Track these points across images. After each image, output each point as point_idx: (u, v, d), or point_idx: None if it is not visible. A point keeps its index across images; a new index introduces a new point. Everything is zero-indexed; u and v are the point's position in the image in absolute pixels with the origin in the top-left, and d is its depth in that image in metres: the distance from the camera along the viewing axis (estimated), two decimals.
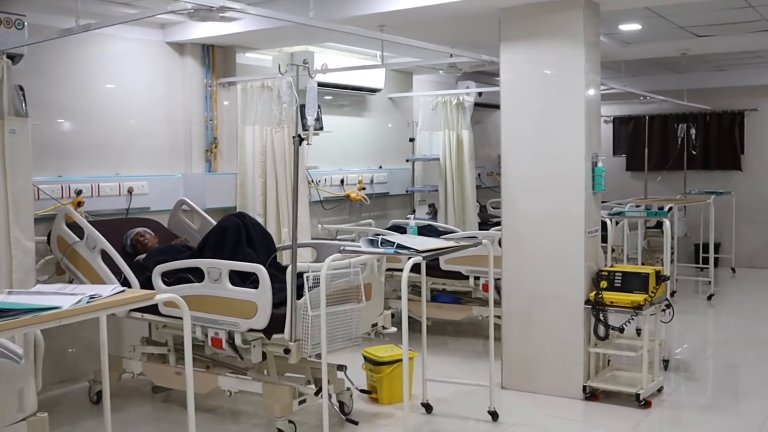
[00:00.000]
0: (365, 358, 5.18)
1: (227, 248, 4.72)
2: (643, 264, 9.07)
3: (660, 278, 4.97)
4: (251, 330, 4.29)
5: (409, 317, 7.08)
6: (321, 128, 7.12)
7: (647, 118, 9.88)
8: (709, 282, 8.64)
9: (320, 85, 7.25)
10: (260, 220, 6.50)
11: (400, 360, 4.89)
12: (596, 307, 4.89)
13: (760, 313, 7.91)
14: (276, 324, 4.20)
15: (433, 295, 6.83)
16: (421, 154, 8.19)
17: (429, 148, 8.19)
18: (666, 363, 5.74)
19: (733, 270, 10.20)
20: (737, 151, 10.73)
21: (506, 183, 5.23)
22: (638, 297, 4.81)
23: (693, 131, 10.02)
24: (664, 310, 5.16)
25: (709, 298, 8.45)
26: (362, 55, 7.60)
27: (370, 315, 4.62)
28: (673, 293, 8.57)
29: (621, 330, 4.87)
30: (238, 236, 4.78)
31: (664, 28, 6.50)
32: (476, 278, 6.31)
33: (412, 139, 8.31)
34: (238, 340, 4.35)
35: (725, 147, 10.79)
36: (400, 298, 7.04)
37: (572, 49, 4.93)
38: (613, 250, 7.92)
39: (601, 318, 4.88)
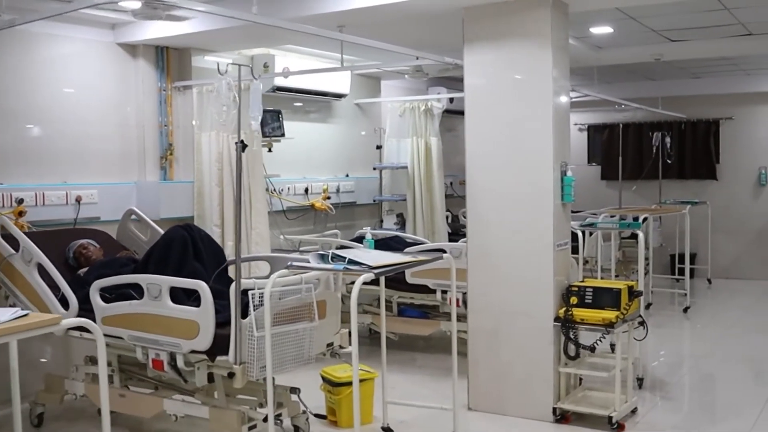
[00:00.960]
0: (323, 378, 4.88)
1: (172, 262, 4.40)
2: (617, 276, 8.86)
3: (633, 294, 4.71)
4: (194, 351, 3.96)
5: (377, 332, 6.93)
6: (282, 135, 6.83)
7: (621, 126, 9.66)
8: (685, 294, 8.42)
9: (283, 90, 7.01)
10: (217, 231, 6.20)
11: (362, 380, 4.62)
12: (566, 324, 4.62)
13: (737, 325, 7.70)
14: (220, 345, 3.88)
15: (400, 309, 6.57)
16: (388, 162, 7.91)
17: (397, 155, 7.91)
18: (640, 381, 5.49)
19: (709, 281, 10.02)
20: (712, 161, 10.55)
21: (471, 193, 4.96)
22: (610, 314, 4.54)
23: (668, 140, 9.84)
24: (637, 327, 4.89)
25: (685, 310, 8.23)
26: (326, 58, 7.31)
27: (324, 334, 4.32)
28: (648, 305, 8.35)
29: (592, 349, 4.60)
30: (184, 249, 4.46)
31: (637, 31, 6.28)
32: (443, 292, 6.04)
33: (379, 147, 8.03)
34: (180, 362, 4.02)
35: (700, 156, 10.61)
36: (366, 312, 6.87)
37: (539, 52, 4.68)
38: (586, 262, 7.69)
39: (571, 336, 4.61)
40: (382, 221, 7.99)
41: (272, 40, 6.35)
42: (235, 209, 3.71)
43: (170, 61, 6.34)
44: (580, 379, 5.05)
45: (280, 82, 6.87)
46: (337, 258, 3.70)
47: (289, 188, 7.22)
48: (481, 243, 4.91)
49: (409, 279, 6.19)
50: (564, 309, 4.66)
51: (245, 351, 3.80)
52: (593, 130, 11.32)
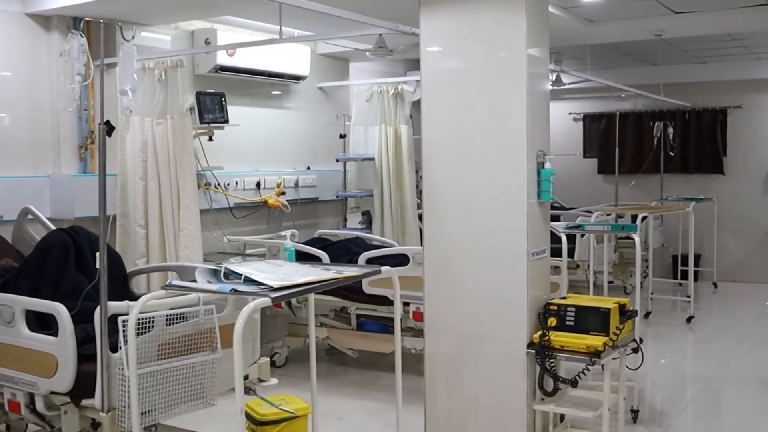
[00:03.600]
0: (247, 415, 3.99)
1: (47, 275, 3.53)
2: (611, 283, 7.97)
3: (625, 314, 3.82)
4: (55, 393, 3.08)
5: (335, 349, 6.10)
6: (225, 121, 5.93)
7: (619, 115, 8.79)
8: (689, 300, 7.50)
9: (228, 70, 6.11)
10: (141, 232, 5.34)
11: (291, 418, 3.77)
12: (541, 352, 3.72)
13: (747, 337, 6.78)
14: (86, 386, 3.00)
15: (359, 322, 5.70)
16: (355, 153, 7.01)
17: (364, 145, 7.01)
18: (635, 414, 4.61)
19: (715, 285, 9.13)
20: (719, 153, 9.62)
21: (428, 191, 4.06)
22: (596, 340, 3.65)
23: (670, 130, 8.98)
24: (630, 354, 4.00)
25: (689, 320, 7.32)
26: (276, 34, 6.40)
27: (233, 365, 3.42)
28: (647, 314, 7.47)
29: (573, 384, 3.71)
30: (64, 258, 3.60)
31: (635, 0, 5.37)
32: (405, 304, 5.16)
33: (342, 136, 7.12)
34: (40, 405, 3.14)
35: (706, 148, 9.67)
36: (320, 325, 6.02)
37: (511, 18, 3.77)
38: (577, 266, 6.81)
39: (548, 367, 3.72)
40: (345, 220, 7.10)
41: (209, 9, 5.47)
42: (100, 208, 2.83)
43: (91, 35, 5.43)
44: (561, 416, 4.16)
45: (224, 61, 5.98)
46: (231, 275, 2.81)
47: (237, 182, 6.32)
48: (440, 251, 4.02)
49: (366, 289, 5.34)
50: (540, 333, 3.77)
51: (115, 394, 2.92)
52: (589, 120, 10.39)
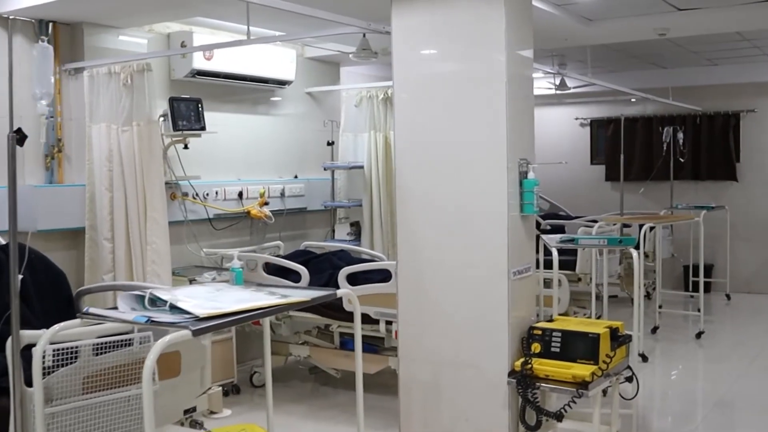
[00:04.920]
0: None
1: None
2: (613, 297, 7.59)
3: (617, 339, 3.46)
4: None
5: (317, 368, 5.76)
6: (202, 128, 5.61)
7: (624, 120, 8.36)
8: (699, 314, 7.09)
9: (206, 74, 5.81)
10: (108, 246, 5.02)
11: None
12: (523, 382, 3.37)
13: (760, 356, 6.34)
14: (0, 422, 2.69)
15: (342, 340, 5.36)
16: (344, 161, 6.67)
17: (354, 153, 6.67)
18: None
19: (728, 297, 8.70)
20: (732, 159, 9.17)
21: (402, 203, 3.73)
22: (583, 369, 3.29)
23: (680, 135, 8.54)
24: (623, 382, 3.63)
25: (699, 335, 6.91)
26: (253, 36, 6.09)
27: (179, 398, 3.11)
28: (654, 329, 7.07)
29: (558, 417, 3.34)
30: None
31: None
32: (388, 323, 4.83)
33: (330, 143, 6.78)
34: None
35: (718, 154, 9.23)
36: (302, 343, 5.69)
37: (490, 12, 3.44)
38: (579, 279, 6.44)
39: (531, 398, 3.36)
40: (333, 231, 6.76)
41: (178, 11, 5.17)
42: (10, 221, 2.51)
43: (58, 38, 5.15)
44: None
45: (201, 65, 5.67)
46: (157, 302, 2.48)
47: (217, 192, 6.00)
48: (415, 269, 3.68)
49: (347, 306, 4.98)
50: (522, 360, 3.42)
51: None
52: (597, 126, 9.99)
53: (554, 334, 3.43)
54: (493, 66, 3.45)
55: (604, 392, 3.50)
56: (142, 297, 2.52)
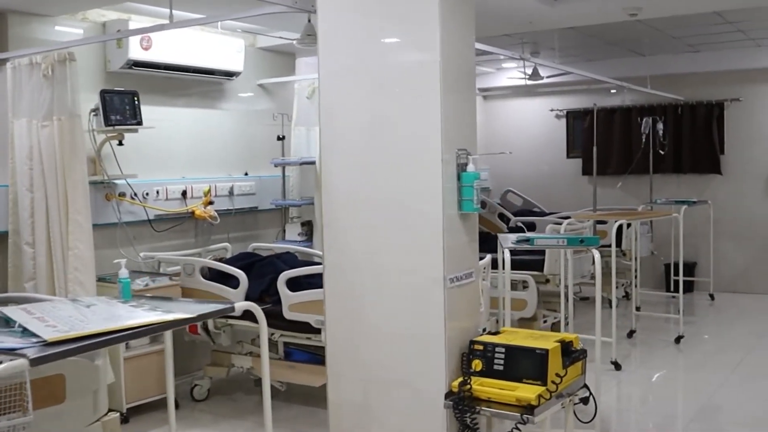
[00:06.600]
0: None
1: None
2: (585, 299, 7.18)
3: (570, 354, 3.03)
4: None
5: (257, 379, 5.33)
6: (138, 123, 5.18)
7: (600, 111, 7.97)
8: (679, 315, 6.67)
9: (145, 65, 5.36)
10: (29, 251, 4.61)
11: None
12: (461, 405, 2.94)
13: (746, 362, 5.88)
14: None
15: (286, 351, 4.94)
16: (297, 156, 6.23)
17: (306, 148, 6.24)
18: None
19: (712, 297, 8.29)
20: (716, 151, 8.73)
21: (327, 200, 3.30)
22: (529, 391, 2.87)
23: (660, 126, 8.13)
24: (578, 404, 3.21)
25: (678, 340, 6.50)
26: (202, 29, 5.67)
27: (61, 429, 2.68)
28: (631, 333, 6.66)
29: None
30: None
31: None
32: None
33: (281, 138, 6.34)
34: None
35: (701, 146, 8.79)
36: (246, 353, 5.27)
37: None
38: (547, 281, 6.02)
39: (470, 424, 2.94)
40: (284, 231, 6.32)
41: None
42: None
43: None
44: None
45: (138, 55, 5.25)
46: (11, 322, 2.05)
47: (158, 191, 5.57)
48: (342, 275, 3.26)
49: (287, 314, 4.59)
50: (460, 380, 2.99)
51: None
52: (573, 117, 9.56)
53: (497, 349, 3.01)
54: (427, 46, 3.02)
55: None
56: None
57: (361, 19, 3.18)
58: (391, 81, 3.10)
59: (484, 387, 2.96)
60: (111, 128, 5.03)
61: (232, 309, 2.56)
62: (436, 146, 3.00)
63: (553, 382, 2.90)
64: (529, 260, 5.95)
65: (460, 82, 3.12)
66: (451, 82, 3.03)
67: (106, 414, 2.97)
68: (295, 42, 5.04)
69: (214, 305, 2.60)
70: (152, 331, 2.25)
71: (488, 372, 3.00)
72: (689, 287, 8.36)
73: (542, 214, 8.48)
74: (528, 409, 2.84)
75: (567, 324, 5.44)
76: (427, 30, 3.00)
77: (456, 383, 3.00)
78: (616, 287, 7.44)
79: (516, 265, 5.72)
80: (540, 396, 2.85)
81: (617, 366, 5.60)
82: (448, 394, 3.03)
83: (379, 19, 3.12)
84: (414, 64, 3.06)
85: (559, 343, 3.01)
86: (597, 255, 3.93)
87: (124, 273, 2.72)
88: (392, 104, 3.10)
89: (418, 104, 3.03)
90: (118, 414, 3.06)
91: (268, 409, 2.79)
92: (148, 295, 4.27)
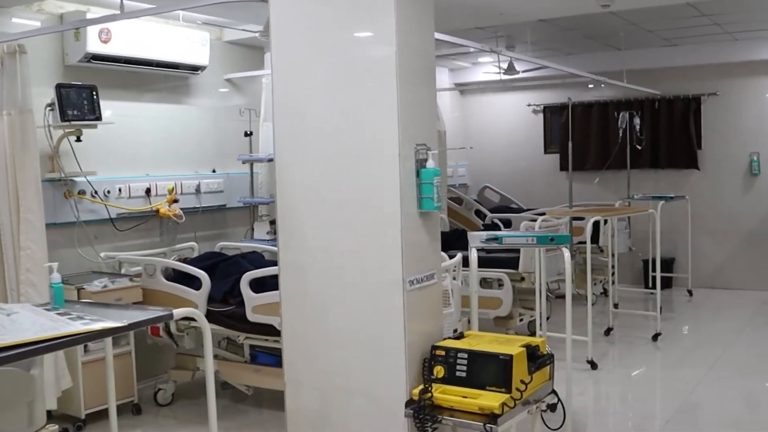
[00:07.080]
0: None
1: None
2: (558, 297, 7.04)
3: (537, 360, 2.90)
4: None
5: (228, 384, 5.17)
6: (97, 118, 5.01)
7: (577, 106, 7.85)
8: (657, 312, 6.57)
9: (105, 59, 5.18)
10: None
11: None
12: (422, 414, 2.80)
13: (725, 360, 5.77)
14: None
15: (252, 354, 4.79)
16: (265, 152, 6.07)
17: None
18: None
19: (690, 293, 8.20)
20: (693, 146, 8.64)
21: (282, 198, 3.15)
22: (492, 399, 2.73)
23: (637, 121, 8.02)
24: (546, 411, 3.07)
25: (655, 337, 6.40)
26: (166, 21, 5.50)
27: None
28: (608, 330, 6.56)
29: None
30: None
31: None
32: None
33: (248, 134, 6.18)
34: None
35: (678, 141, 8.70)
36: (215, 356, 5.09)
37: None
38: (522, 279, 5.89)
39: None
40: (252, 230, 6.16)
41: None
42: None
43: None
44: None
45: (97, 48, 5.06)
46: None
47: (120, 189, 5.39)
48: (297, 276, 3.11)
49: (251, 316, 4.44)
50: (421, 387, 2.85)
51: None
52: (550, 112, 9.44)
53: (459, 355, 2.87)
54: (383, 38, 2.87)
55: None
56: None
57: (314, 10, 3.02)
58: (347, 74, 2.95)
59: (446, 395, 2.82)
60: (68, 124, 4.85)
61: (171, 316, 2.41)
62: (394, 141, 2.85)
63: (517, 389, 2.76)
64: (504, 258, 5.82)
65: (419, 75, 2.98)
66: (408, 75, 2.88)
67: (44, 426, 2.80)
68: (257, 35, 4.89)
69: (151, 312, 2.44)
70: (73, 343, 2.09)
71: (450, 379, 2.86)
72: (667, 283, 8.27)
73: (520, 210, 8.37)
74: (491, 417, 2.70)
75: (543, 322, 5.32)
76: (384, 21, 2.85)
77: (417, 391, 2.86)
78: (594, 284, 7.36)
79: (491, 263, 5.61)
80: (504, 404, 2.71)
81: (593, 365, 5.49)
82: (409, 403, 2.88)
83: (333, 9, 2.97)
84: (370, 57, 2.91)
85: (524, 348, 2.87)
86: (567, 254, 3.80)
87: (56, 277, 2.55)
88: (348, 98, 2.95)
89: (375, 98, 2.89)
90: (57, 426, 2.88)
91: (213, 417, 2.64)
92: (88, 300, 4.11)
